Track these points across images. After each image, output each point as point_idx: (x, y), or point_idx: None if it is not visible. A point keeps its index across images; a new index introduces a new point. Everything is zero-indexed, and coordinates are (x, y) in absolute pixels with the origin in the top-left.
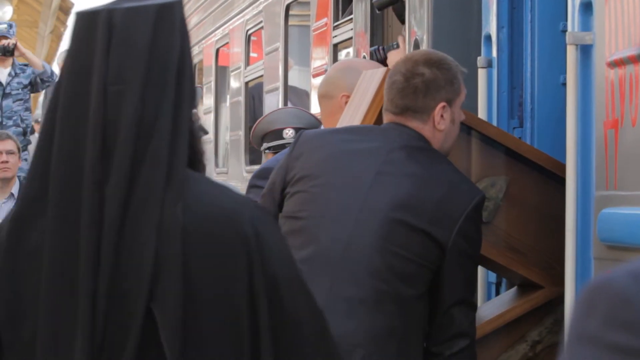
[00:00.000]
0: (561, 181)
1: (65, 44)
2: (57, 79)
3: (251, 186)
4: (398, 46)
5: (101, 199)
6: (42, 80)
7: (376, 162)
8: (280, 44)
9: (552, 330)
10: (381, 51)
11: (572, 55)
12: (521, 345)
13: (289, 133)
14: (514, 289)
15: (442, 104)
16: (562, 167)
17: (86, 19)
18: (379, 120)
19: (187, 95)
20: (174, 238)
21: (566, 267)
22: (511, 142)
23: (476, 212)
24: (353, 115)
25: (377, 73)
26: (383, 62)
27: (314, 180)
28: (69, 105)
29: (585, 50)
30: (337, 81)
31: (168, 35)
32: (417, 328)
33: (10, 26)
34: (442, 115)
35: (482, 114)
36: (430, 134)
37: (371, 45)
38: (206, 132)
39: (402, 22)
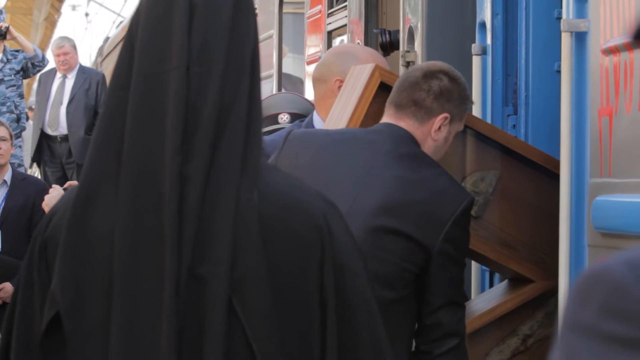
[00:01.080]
0: (552, 175)
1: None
2: (47, 63)
3: None
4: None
5: (182, 183)
6: (33, 64)
7: (364, 165)
8: (274, 31)
9: (543, 323)
10: (387, 34)
11: (566, 42)
12: (512, 339)
13: (284, 118)
14: (504, 283)
15: (446, 114)
16: (553, 161)
17: None
18: (366, 116)
19: (258, 80)
20: (252, 225)
21: (560, 255)
22: (502, 137)
23: (464, 217)
24: (342, 111)
25: (365, 68)
26: (387, 45)
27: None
28: (145, 85)
29: (580, 38)
30: (332, 65)
31: (245, 17)
32: (399, 330)
33: (0, 12)
34: (440, 127)
35: (476, 101)
36: (422, 138)
37: (365, 33)
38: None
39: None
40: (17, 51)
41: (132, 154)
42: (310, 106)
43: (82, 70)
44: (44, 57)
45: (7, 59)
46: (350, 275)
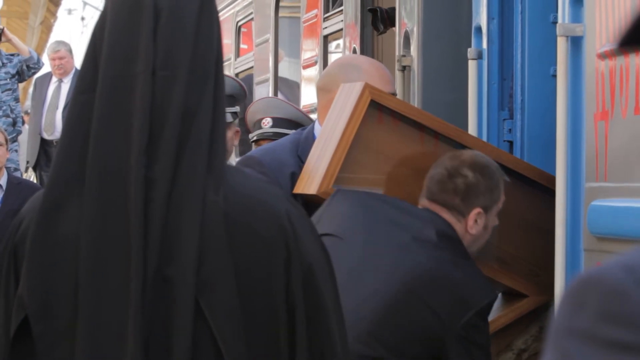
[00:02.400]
0: (545, 190)
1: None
2: (42, 65)
3: None
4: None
5: (148, 185)
6: (28, 67)
7: (409, 235)
8: (270, 36)
9: (538, 338)
10: (384, 12)
11: (562, 46)
12: (507, 354)
13: (265, 122)
14: (498, 298)
15: (478, 210)
16: (546, 176)
17: (130, 1)
18: (357, 136)
19: (222, 84)
20: (217, 227)
21: (556, 259)
22: (492, 153)
23: (488, 309)
24: (331, 131)
25: (355, 87)
26: (386, 20)
27: (341, 238)
28: (111, 88)
29: (576, 42)
30: (336, 76)
31: (209, 23)
32: None
33: None
34: (476, 220)
35: (472, 105)
36: (462, 233)
37: (361, 37)
38: (237, 117)
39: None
40: (12, 55)
41: (97, 156)
42: (295, 111)
43: (78, 74)
44: (39, 59)
45: (3, 63)
46: (318, 276)
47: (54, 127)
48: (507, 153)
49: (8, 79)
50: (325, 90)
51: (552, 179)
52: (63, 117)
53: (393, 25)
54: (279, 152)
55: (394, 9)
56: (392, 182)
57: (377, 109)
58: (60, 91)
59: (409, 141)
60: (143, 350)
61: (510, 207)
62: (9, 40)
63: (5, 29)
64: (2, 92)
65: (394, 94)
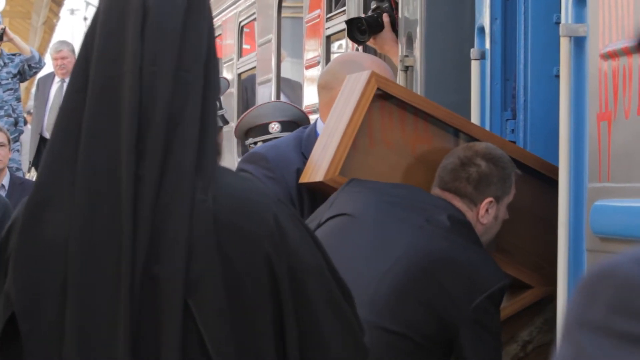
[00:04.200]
0: (548, 181)
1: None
2: (44, 64)
3: (239, 170)
4: (382, 26)
5: (137, 182)
6: (29, 66)
7: (422, 217)
8: (273, 36)
9: (543, 329)
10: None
11: (565, 47)
12: (512, 346)
13: (275, 127)
14: None
15: (490, 199)
16: (550, 167)
17: (119, 2)
18: (363, 124)
19: (214, 85)
20: (206, 227)
21: (559, 259)
22: (498, 142)
23: (499, 293)
24: (338, 120)
25: (362, 76)
26: (393, 4)
27: (354, 217)
28: (101, 88)
29: (579, 42)
30: (337, 74)
31: (197, 22)
32: None
33: None
34: (487, 210)
35: (475, 105)
36: (473, 222)
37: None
38: (227, 122)
39: (356, 42)
40: (13, 55)
41: (88, 154)
42: (301, 114)
43: None
44: (40, 59)
45: (4, 63)
46: (308, 274)
47: None
48: (512, 143)
49: (10, 79)
50: (327, 88)
51: (554, 169)
52: None
53: (377, 32)
54: (283, 148)
55: (380, 13)
56: (398, 172)
57: (383, 97)
58: (62, 91)
59: (415, 130)
60: (132, 350)
61: (514, 199)
62: (10, 40)
63: (7, 29)
64: (4, 91)
65: None
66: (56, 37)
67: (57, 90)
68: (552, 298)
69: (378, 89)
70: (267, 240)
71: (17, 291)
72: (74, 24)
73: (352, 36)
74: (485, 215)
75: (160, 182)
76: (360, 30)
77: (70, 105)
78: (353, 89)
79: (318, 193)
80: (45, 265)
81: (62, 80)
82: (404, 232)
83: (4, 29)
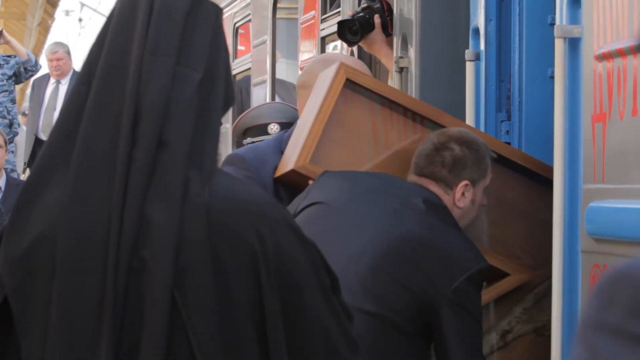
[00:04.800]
0: (528, 174)
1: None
2: (40, 67)
3: None
4: (373, 27)
5: (129, 163)
6: (25, 69)
7: (397, 201)
8: (267, 37)
9: (522, 319)
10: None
11: (560, 48)
12: (491, 335)
13: (273, 128)
14: None
15: (465, 182)
16: (530, 159)
17: (130, 2)
18: (333, 115)
19: (219, 84)
20: (199, 219)
21: (554, 260)
22: (476, 133)
23: (479, 276)
24: (308, 114)
25: (332, 69)
26: (359, 29)
27: (329, 204)
28: (105, 78)
29: (574, 44)
30: (315, 73)
31: (201, 21)
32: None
33: None
34: (463, 193)
35: (469, 107)
36: (450, 206)
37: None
38: (220, 124)
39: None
40: (9, 56)
41: (87, 137)
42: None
43: (76, 75)
44: (36, 62)
45: None
46: (299, 273)
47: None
48: (485, 134)
49: (5, 81)
50: (305, 88)
51: (536, 163)
52: None
53: (368, 32)
54: (263, 149)
55: (371, 13)
56: (371, 162)
57: (352, 89)
58: (58, 92)
59: (387, 121)
60: (115, 338)
61: (490, 190)
62: (7, 42)
63: (4, 31)
64: None
65: None
66: (51, 38)
67: (52, 91)
68: (530, 287)
69: (347, 79)
70: (256, 240)
71: (9, 273)
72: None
73: (343, 37)
74: (462, 198)
75: (152, 166)
76: (352, 31)
77: (74, 96)
78: (324, 82)
79: (295, 189)
80: (35, 246)
81: (58, 82)
82: (379, 215)
83: (1, 31)
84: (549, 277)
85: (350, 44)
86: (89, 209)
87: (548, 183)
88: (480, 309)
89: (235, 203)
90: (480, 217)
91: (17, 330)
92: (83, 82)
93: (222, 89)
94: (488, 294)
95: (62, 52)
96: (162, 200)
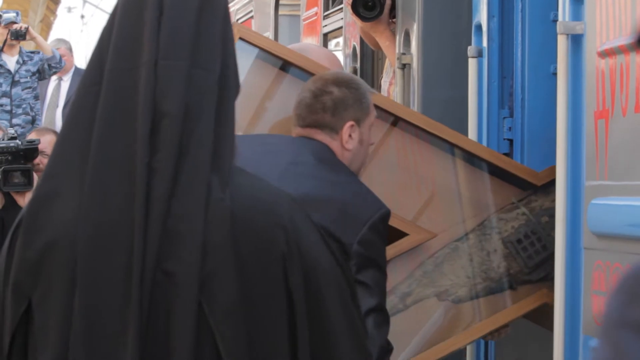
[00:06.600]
0: (434, 142)
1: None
2: (64, 64)
3: None
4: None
5: (150, 174)
6: (49, 66)
7: (284, 161)
8: (270, 34)
9: (422, 282)
10: None
11: (562, 44)
12: (390, 298)
13: None
14: None
15: (351, 122)
16: (442, 128)
17: None
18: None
19: (231, 85)
20: (223, 225)
21: (556, 257)
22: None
23: (381, 224)
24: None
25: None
26: (377, 4)
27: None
28: (116, 80)
29: (576, 40)
30: None
31: (211, 19)
32: None
33: (17, 14)
34: (350, 135)
35: (472, 103)
36: (339, 151)
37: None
38: (235, 123)
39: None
40: (32, 52)
41: (101, 143)
42: None
43: (78, 72)
44: (60, 59)
45: (23, 61)
46: (322, 276)
47: (54, 125)
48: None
49: (28, 77)
50: None
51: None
52: (63, 115)
53: (382, 12)
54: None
55: None
56: (265, 124)
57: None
58: (60, 89)
59: (283, 86)
60: (141, 350)
61: (394, 152)
62: (33, 39)
63: (29, 28)
64: (23, 89)
65: None
66: (53, 35)
67: (54, 88)
68: (431, 252)
69: (240, 38)
70: (283, 240)
71: (31, 283)
72: (71, 22)
73: (356, 11)
74: (349, 140)
75: (175, 176)
76: (367, 7)
77: (83, 97)
78: None
79: None
80: (53, 258)
81: (60, 79)
82: (277, 176)
83: (27, 28)
84: (449, 242)
85: (363, 19)
86: (109, 219)
87: (461, 154)
88: (385, 257)
89: (259, 205)
90: (382, 178)
91: (37, 343)
92: (91, 83)
93: (234, 86)
94: (387, 252)
95: (64, 49)
96: (185, 209)
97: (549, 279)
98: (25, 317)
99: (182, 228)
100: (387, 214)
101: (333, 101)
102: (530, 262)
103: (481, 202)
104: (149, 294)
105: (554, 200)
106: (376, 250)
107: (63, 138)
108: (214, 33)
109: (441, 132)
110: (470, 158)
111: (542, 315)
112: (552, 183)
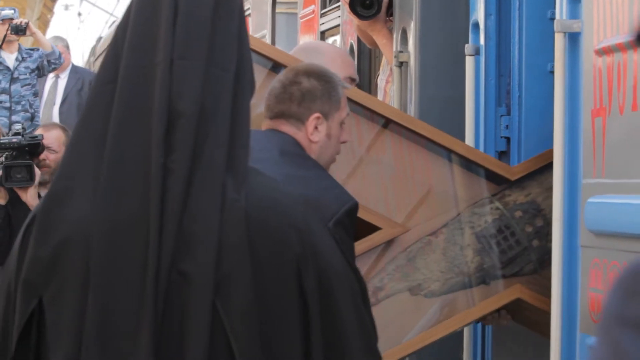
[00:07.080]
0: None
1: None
2: (63, 61)
3: None
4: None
5: (165, 175)
6: (49, 62)
7: (253, 161)
8: (267, 32)
9: (394, 277)
10: None
11: (560, 43)
12: None
13: None
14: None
15: (317, 114)
16: (416, 122)
17: None
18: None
19: (247, 84)
20: (238, 226)
21: (553, 255)
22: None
23: (348, 217)
24: None
25: None
26: (374, 2)
27: None
28: (131, 79)
29: (573, 38)
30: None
31: (227, 18)
32: None
33: (14, 11)
34: (316, 127)
35: (469, 101)
36: (306, 143)
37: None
38: (249, 123)
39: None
40: (32, 49)
41: (117, 143)
42: None
43: (75, 70)
44: (60, 55)
45: (22, 57)
46: (334, 278)
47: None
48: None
49: (28, 74)
50: None
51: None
52: (60, 113)
53: (380, 10)
54: None
55: None
56: (255, 125)
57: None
58: (57, 87)
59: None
60: (156, 348)
61: (369, 145)
62: (33, 34)
63: (29, 23)
64: (22, 86)
65: (354, 80)
66: (50, 32)
67: (51, 85)
68: (404, 245)
69: None
70: (297, 241)
71: (43, 281)
72: (68, 20)
73: (354, 10)
74: (315, 132)
75: (190, 176)
76: (364, 5)
77: (98, 96)
78: None
79: None
80: (66, 256)
81: (57, 76)
82: None
83: (27, 23)
84: (422, 236)
85: (360, 17)
86: (124, 218)
87: (440, 151)
88: (353, 252)
89: (273, 206)
90: (353, 172)
91: (49, 341)
92: (107, 81)
93: (249, 85)
94: (359, 245)
95: (61, 47)
96: (201, 210)
97: (522, 274)
98: (35, 316)
99: (197, 228)
100: (353, 208)
101: (300, 91)
102: (503, 257)
103: (455, 197)
104: (163, 294)
105: (528, 195)
106: (343, 247)
107: (77, 136)
108: (230, 31)
109: (416, 126)
110: (445, 152)
111: (538, 323)
112: (526, 178)
